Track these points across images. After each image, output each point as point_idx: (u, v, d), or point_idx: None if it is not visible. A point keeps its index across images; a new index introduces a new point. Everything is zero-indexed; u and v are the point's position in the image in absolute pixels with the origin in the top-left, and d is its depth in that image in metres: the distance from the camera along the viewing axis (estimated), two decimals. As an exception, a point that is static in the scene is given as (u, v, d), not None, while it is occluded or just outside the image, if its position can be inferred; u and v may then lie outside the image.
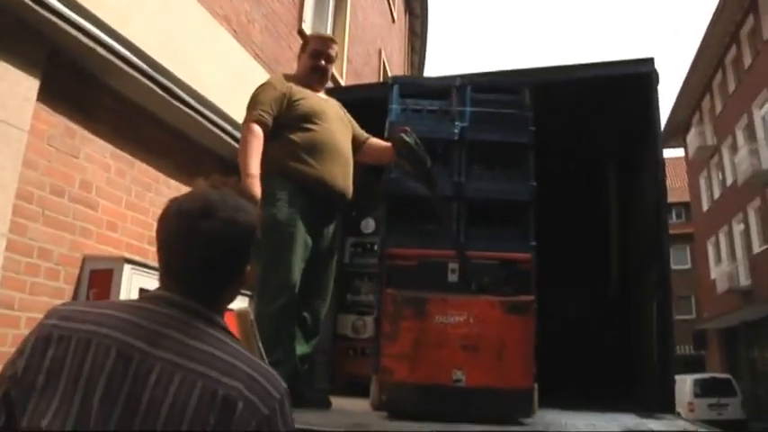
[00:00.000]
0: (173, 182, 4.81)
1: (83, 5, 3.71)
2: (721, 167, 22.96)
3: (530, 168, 3.49)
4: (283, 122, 2.91)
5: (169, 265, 1.14)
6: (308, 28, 7.24)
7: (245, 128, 2.89)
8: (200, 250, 1.08)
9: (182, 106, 4.59)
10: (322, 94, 3.19)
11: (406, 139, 2.97)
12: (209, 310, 1.09)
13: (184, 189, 4.48)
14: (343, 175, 2.99)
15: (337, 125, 3.05)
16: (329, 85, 3.54)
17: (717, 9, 19.96)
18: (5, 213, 3.37)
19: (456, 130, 3.48)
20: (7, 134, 3.38)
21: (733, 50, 21.20)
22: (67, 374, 0.99)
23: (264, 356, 1.58)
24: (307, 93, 3.02)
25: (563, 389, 3.72)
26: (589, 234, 5.42)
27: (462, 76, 3.77)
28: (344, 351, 5.58)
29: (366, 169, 5.33)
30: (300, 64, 3.24)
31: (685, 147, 26.29)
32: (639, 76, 4.20)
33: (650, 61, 4.21)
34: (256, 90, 3.03)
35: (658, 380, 3.46)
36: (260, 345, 1.60)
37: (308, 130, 2.92)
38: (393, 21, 12.31)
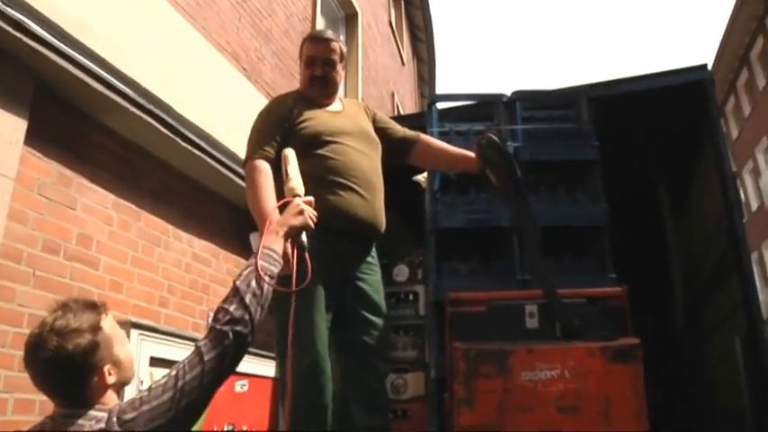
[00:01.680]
0: (183, 233, 4.28)
1: (73, 36, 3.28)
2: (745, 193, 22.34)
3: (599, 188, 3.00)
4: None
5: (41, 391, 1.41)
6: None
7: (248, 167, 2.38)
8: (46, 376, 1.38)
9: (189, 147, 4.11)
10: (335, 105, 2.61)
11: (496, 141, 2.44)
12: (78, 408, 1.37)
13: (196, 242, 3.98)
14: (366, 201, 2.40)
15: (355, 142, 2.48)
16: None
17: (725, 33, 19.73)
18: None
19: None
20: (-11, 183, 2.89)
21: (744, 73, 20.85)
22: None
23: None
24: (312, 112, 2.48)
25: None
26: (644, 259, 4.85)
27: (512, 93, 3.32)
28: (384, 414, 4.99)
29: (393, 212, 4.83)
30: (300, 76, 2.67)
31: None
32: (693, 84, 3.73)
33: (703, 68, 3.75)
34: (255, 121, 2.53)
35: (752, 425, 2.85)
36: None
37: (317, 156, 2.36)
38: (403, 64, 12.04)
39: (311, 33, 2.68)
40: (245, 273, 1.56)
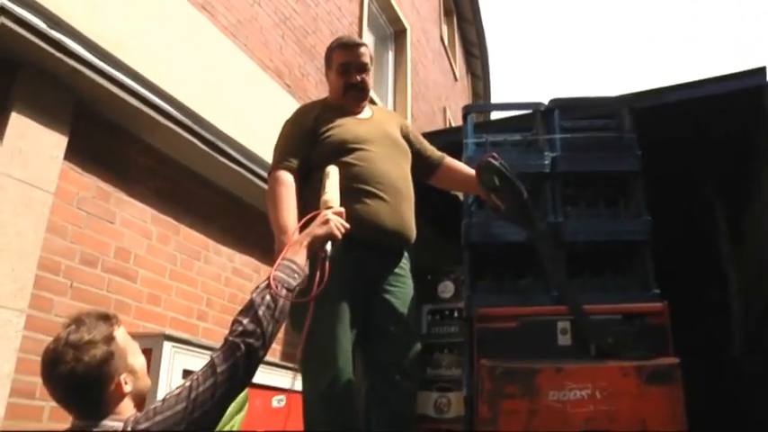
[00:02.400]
0: (223, 248, 4.33)
1: (114, 55, 3.39)
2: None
3: (641, 201, 2.85)
4: (314, 162, 2.33)
5: (60, 404, 1.46)
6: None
7: (270, 178, 2.36)
8: (63, 390, 1.42)
9: (229, 163, 4.16)
10: (364, 113, 2.54)
11: (495, 164, 2.37)
12: (96, 419, 1.41)
13: (237, 256, 3.99)
14: (392, 210, 2.31)
15: (382, 149, 2.40)
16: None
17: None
18: (26, 287, 2.92)
19: (546, 162, 2.92)
20: (29, 196, 2.99)
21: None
22: None
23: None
24: (338, 120, 2.41)
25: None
26: (695, 279, 4.57)
27: (549, 101, 3.21)
28: (427, 434, 4.87)
29: (436, 225, 4.73)
30: (330, 84, 2.59)
31: None
32: (750, 91, 3.52)
33: (761, 72, 3.54)
34: (280, 130, 2.50)
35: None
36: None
37: (342, 164, 2.24)
38: (456, 80, 11.96)
39: (340, 40, 2.60)
40: (261, 285, 1.56)
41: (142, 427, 1.35)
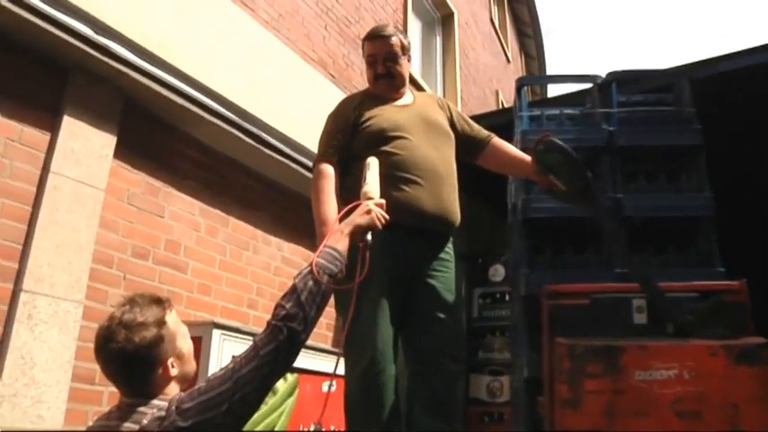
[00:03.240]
0: (272, 238, 4.44)
1: (157, 55, 3.51)
2: None
3: (703, 176, 2.76)
4: (354, 152, 2.38)
5: (109, 380, 1.51)
6: (414, 71, 6.86)
7: (313, 170, 2.42)
8: (114, 368, 1.48)
9: (274, 154, 4.25)
10: (405, 99, 2.56)
11: (558, 142, 2.28)
12: (143, 398, 1.46)
13: (286, 245, 4.08)
14: (433, 195, 2.32)
15: (422, 135, 2.41)
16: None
17: None
18: (82, 279, 3.09)
19: (603, 135, 2.86)
20: (82, 193, 3.15)
21: None
22: None
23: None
24: (377, 109, 2.45)
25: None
26: (756, 253, 4.37)
27: (606, 74, 3.12)
28: (479, 417, 4.85)
29: (484, 209, 4.67)
30: (366, 76, 2.67)
31: None
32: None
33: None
34: (324, 123, 2.56)
35: None
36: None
37: (382, 153, 2.29)
38: (508, 61, 11.75)
39: (369, 32, 2.64)
40: (304, 271, 1.59)
41: (186, 406, 1.39)
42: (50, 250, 2.97)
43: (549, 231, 2.75)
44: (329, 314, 3.92)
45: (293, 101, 4.58)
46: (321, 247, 1.66)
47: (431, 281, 2.35)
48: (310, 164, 4.50)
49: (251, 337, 3.90)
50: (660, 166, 2.85)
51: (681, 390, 1.91)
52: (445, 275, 2.39)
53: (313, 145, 4.49)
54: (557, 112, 3.09)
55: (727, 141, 3.59)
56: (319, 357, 4.08)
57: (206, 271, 3.84)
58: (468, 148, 2.61)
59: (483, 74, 9.70)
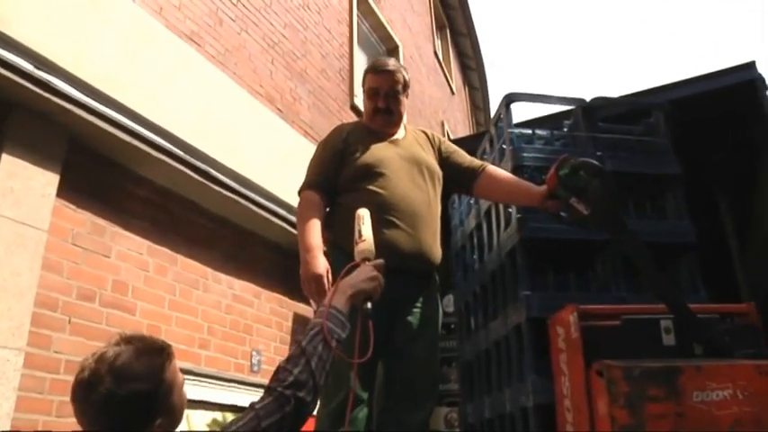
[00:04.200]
0: (222, 275, 4.35)
1: (102, 92, 3.44)
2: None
3: (683, 204, 2.83)
4: (341, 185, 2.39)
5: (81, 426, 1.29)
6: (360, 102, 6.93)
7: (299, 198, 2.41)
8: (91, 418, 1.26)
9: (224, 191, 4.19)
10: (396, 135, 2.54)
11: (595, 163, 2.17)
12: None
13: (237, 283, 3.99)
14: (410, 236, 2.29)
15: (406, 173, 2.39)
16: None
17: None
18: (23, 324, 2.95)
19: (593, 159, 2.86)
20: (23, 235, 3.02)
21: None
22: None
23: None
24: (365, 142, 2.44)
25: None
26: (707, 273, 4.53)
27: (591, 99, 3.14)
28: (436, 449, 4.83)
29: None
30: (364, 107, 2.63)
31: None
32: (741, 86, 3.52)
33: (751, 66, 3.54)
34: (315, 151, 2.57)
35: None
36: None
37: (363, 190, 2.30)
38: (453, 93, 12.02)
39: (373, 64, 2.59)
40: (311, 333, 1.43)
41: None
42: (-11, 295, 2.83)
43: (545, 253, 2.72)
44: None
45: (242, 136, 4.54)
46: (327, 308, 1.50)
47: (410, 318, 2.33)
48: (261, 200, 4.51)
49: (206, 379, 3.82)
50: (644, 193, 2.91)
51: (738, 411, 1.87)
52: (423, 313, 2.37)
53: (263, 180, 4.51)
54: (546, 133, 3.07)
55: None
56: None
57: (155, 311, 3.73)
58: (460, 179, 2.58)
59: (429, 105, 9.87)
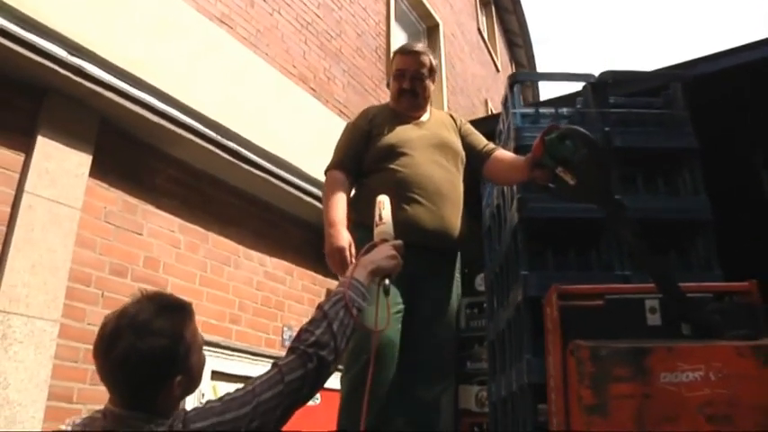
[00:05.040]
0: (254, 253, 4.46)
1: (134, 74, 3.55)
2: None
3: (700, 179, 2.73)
4: (367, 164, 2.45)
5: (102, 382, 1.29)
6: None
7: (325, 178, 2.48)
8: (112, 373, 1.26)
9: (254, 170, 4.28)
10: (422, 118, 2.59)
11: (581, 130, 2.10)
12: (137, 411, 1.25)
13: (269, 260, 4.10)
14: (433, 213, 2.33)
15: (429, 153, 2.43)
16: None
17: None
18: (58, 297, 3.11)
19: (600, 136, 2.76)
20: (57, 213, 3.18)
21: None
22: None
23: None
24: (391, 124, 2.49)
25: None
26: (752, 258, 4.38)
27: (600, 73, 3.04)
28: (469, 428, 4.86)
29: (472, 219, 4.71)
30: (390, 89, 2.66)
31: None
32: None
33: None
34: (342, 132, 2.63)
35: None
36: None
37: (387, 170, 2.36)
38: (498, 71, 11.82)
39: (402, 46, 2.66)
40: (333, 299, 1.48)
41: (197, 426, 1.23)
42: (25, 270, 2.99)
43: (546, 232, 2.68)
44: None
45: (274, 116, 4.61)
46: (349, 279, 1.55)
47: (430, 296, 2.37)
48: (292, 179, 4.58)
49: (234, 353, 3.94)
50: (656, 169, 2.82)
51: (710, 392, 1.81)
52: (444, 293, 2.41)
53: (296, 159, 4.58)
54: (552, 110, 3.03)
55: (723, 145, 3.61)
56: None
57: (186, 287, 3.86)
58: (473, 163, 2.61)
59: (471, 84, 9.75)
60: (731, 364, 1.81)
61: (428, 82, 2.58)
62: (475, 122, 3.44)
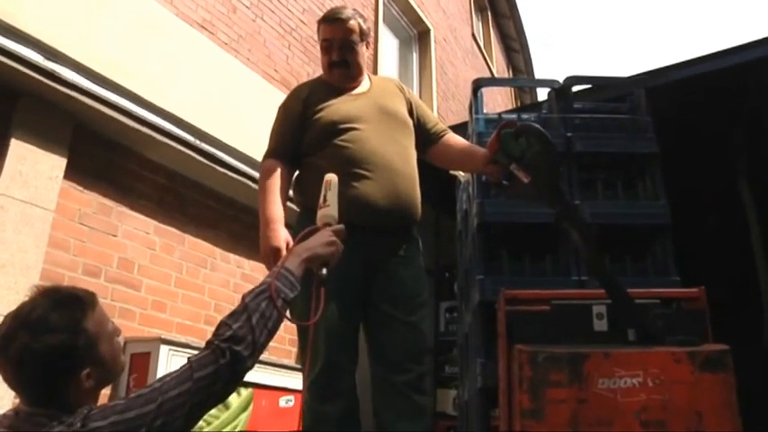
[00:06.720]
0: (231, 255, 4.52)
1: (108, 78, 3.62)
2: None
3: (659, 184, 2.77)
4: (308, 147, 2.29)
5: (5, 383, 1.29)
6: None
7: (261, 168, 2.34)
8: (11, 374, 1.26)
9: (232, 174, 4.34)
10: (361, 87, 2.42)
11: (536, 126, 2.09)
12: (53, 410, 1.23)
13: (246, 263, 4.17)
14: (385, 190, 2.20)
15: (376, 125, 2.28)
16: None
17: None
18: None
19: (561, 141, 2.79)
20: (29, 214, 3.25)
21: None
22: None
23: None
24: (329, 99, 2.32)
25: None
26: (725, 262, 4.41)
27: (564, 79, 3.09)
28: (446, 431, 4.89)
29: (452, 223, 4.75)
30: (321, 62, 2.47)
31: None
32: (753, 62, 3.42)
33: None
34: (275, 116, 2.45)
35: None
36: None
37: (333, 147, 2.22)
38: (492, 76, 11.85)
39: (325, 14, 2.45)
40: (257, 290, 1.43)
41: (95, 425, 1.19)
42: (-5, 270, 3.06)
43: (504, 237, 2.72)
44: (292, 329, 3.98)
45: (254, 120, 4.64)
46: (278, 268, 1.49)
47: (390, 280, 2.25)
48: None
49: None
50: (616, 174, 2.86)
51: (645, 398, 1.84)
52: (404, 273, 2.29)
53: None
54: (514, 116, 3.09)
55: (679, 150, 3.66)
56: (277, 372, 4.15)
57: (161, 288, 3.92)
58: (420, 141, 2.47)
59: (464, 89, 9.78)
60: (668, 370, 1.84)
61: (360, 48, 2.40)
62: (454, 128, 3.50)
